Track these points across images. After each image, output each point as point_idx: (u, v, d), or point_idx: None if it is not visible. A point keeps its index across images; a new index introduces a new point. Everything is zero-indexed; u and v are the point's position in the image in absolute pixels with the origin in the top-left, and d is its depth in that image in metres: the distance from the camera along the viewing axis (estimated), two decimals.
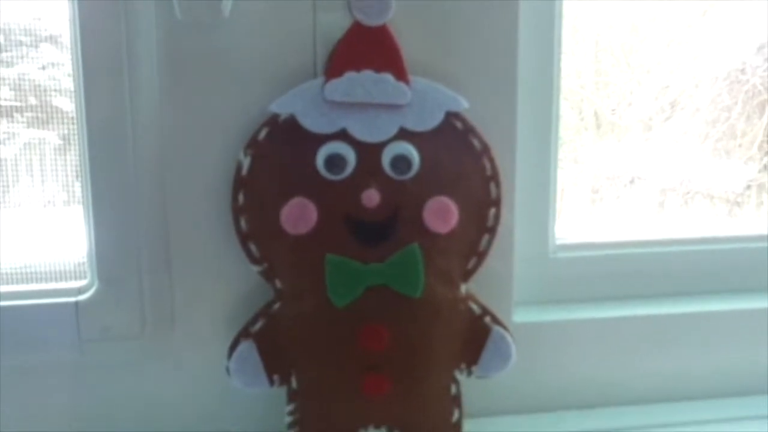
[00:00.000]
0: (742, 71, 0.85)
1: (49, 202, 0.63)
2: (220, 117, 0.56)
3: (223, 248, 0.57)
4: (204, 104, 0.56)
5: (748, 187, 0.87)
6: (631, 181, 0.85)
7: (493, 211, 0.58)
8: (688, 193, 0.86)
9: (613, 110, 0.84)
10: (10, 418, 0.59)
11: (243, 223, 0.56)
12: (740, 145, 0.86)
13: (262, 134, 0.56)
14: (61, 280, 0.61)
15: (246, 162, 0.55)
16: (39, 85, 0.61)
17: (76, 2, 0.54)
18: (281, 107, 0.55)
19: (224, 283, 0.59)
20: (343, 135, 0.54)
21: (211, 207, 0.57)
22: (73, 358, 0.59)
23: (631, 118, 0.84)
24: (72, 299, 0.58)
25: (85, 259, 0.60)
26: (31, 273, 0.61)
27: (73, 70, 0.56)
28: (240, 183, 0.56)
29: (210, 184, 0.57)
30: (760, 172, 0.86)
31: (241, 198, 0.56)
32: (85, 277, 0.60)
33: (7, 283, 0.60)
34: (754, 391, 0.71)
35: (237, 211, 0.56)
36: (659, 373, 0.68)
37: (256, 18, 0.55)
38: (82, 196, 0.58)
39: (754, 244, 0.73)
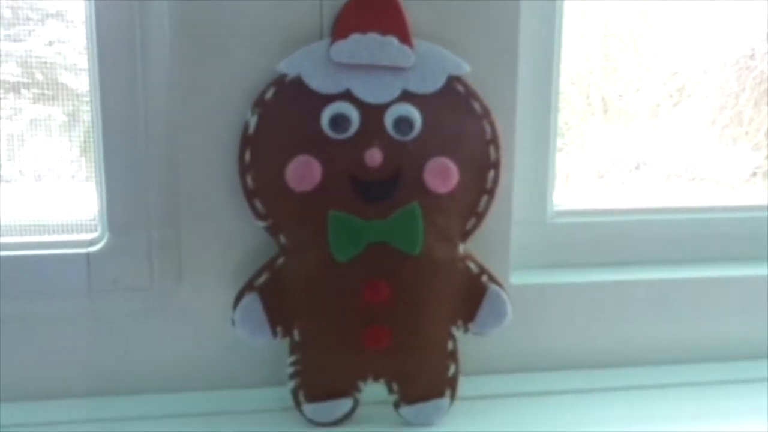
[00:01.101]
0: (751, 57, 0.85)
1: (52, 172, 0.65)
2: (229, 76, 0.58)
3: (230, 204, 0.60)
4: (213, 63, 0.58)
5: (754, 174, 0.87)
6: (637, 167, 0.86)
7: (492, 173, 0.60)
8: (694, 179, 0.86)
9: (620, 96, 0.84)
10: (24, 363, 0.62)
11: (249, 180, 0.58)
12: (747, 132, 0.86)
13: (269, 94, 0.57)
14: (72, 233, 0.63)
15: (253, 120, 0.57)
16: (45, 62, 0.62)
17: None
18: (288, 67, 0.57)
19: (230, 237, 0.61)
20: (347, 95, 0.56)
21: (219, 164, 0.59)
22: (83, 308, 0.61)
23: (638, 104, 0.84)
24: (83, 250, 0.60)
25: (96, 215, 0.62)
26: (43, 226, 0.63)
27: (86, 26, 0.58)
28: (247, 141, 0.58)
29: (218, 141, 0.59)
30: (766, 158, 0.86)
31: (247, 156, 0.58)
32: (96, 231, 0.62)
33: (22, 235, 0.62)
34: (751, 355, 0.73)
35: (243, 168, 0.58)
36: (652, 336, 0.71)
37: None
38: (95, 150, 0.60)
39: (749, 213, 0.74)
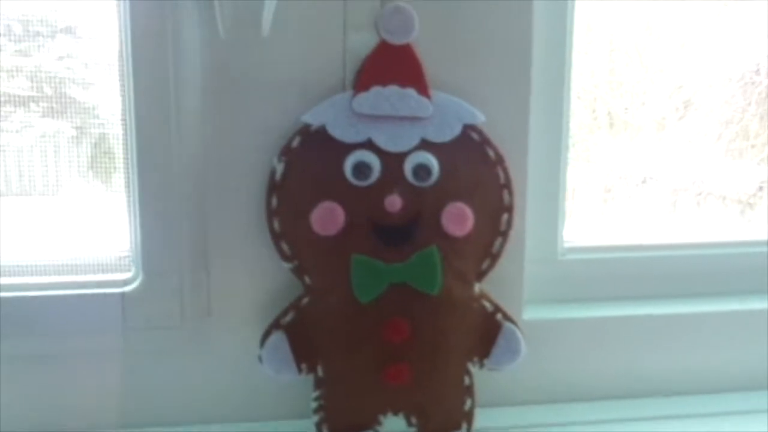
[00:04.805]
0: (756, 72, 0.87)
1: (64, 191, 0.68)
2: (257, 126, 0.63)
3: (258, 246, 0.64)
4: (243, 114, 0.63)
5: (761, 188, 0.89)
6: (643, 181, 0.88)
7: (506, 216, 0.64)
8: (700, 193, 0.89)
9: (626, 109, 0.86)
10: (60, 398, 0.66)
11: (276, 224, 0.62)
12: (753, 146, 0.88)
13: (295, 142, 0.62)
14: (105, 272, 0.67)
15: (280, 168, 0.62)
16: (54, 76, 0.65)
17: (128, 24, 0.60)
18: (313, 118, 0.61)
19: (258, 278, 0.65)
20: (369, 144, 0.61)
21: (247, 208, 0.64)
22: (116, 345, 0.65)
23: (644, 118, 0.86)
24: (118, 290, 0.64)
25: (128, 253, 0.66)
26: (77, 265, 0.67)
27: (125, 80, 0.62)
28: (274, 187, 0.62)
29: (247, 187, 0.64)
30: None
31: (274, 201, 0.62)
32: (129, 270, 0.66)
33: (58, 274, 0.66)
34: (756, 386, 0.77)
35: (271, 213, 0.62)
36: (660, 369, 0.75)
37: (292, 36, 0.62)
38: (130, 197, 0.64)
39: (752, 248, 0.78)
